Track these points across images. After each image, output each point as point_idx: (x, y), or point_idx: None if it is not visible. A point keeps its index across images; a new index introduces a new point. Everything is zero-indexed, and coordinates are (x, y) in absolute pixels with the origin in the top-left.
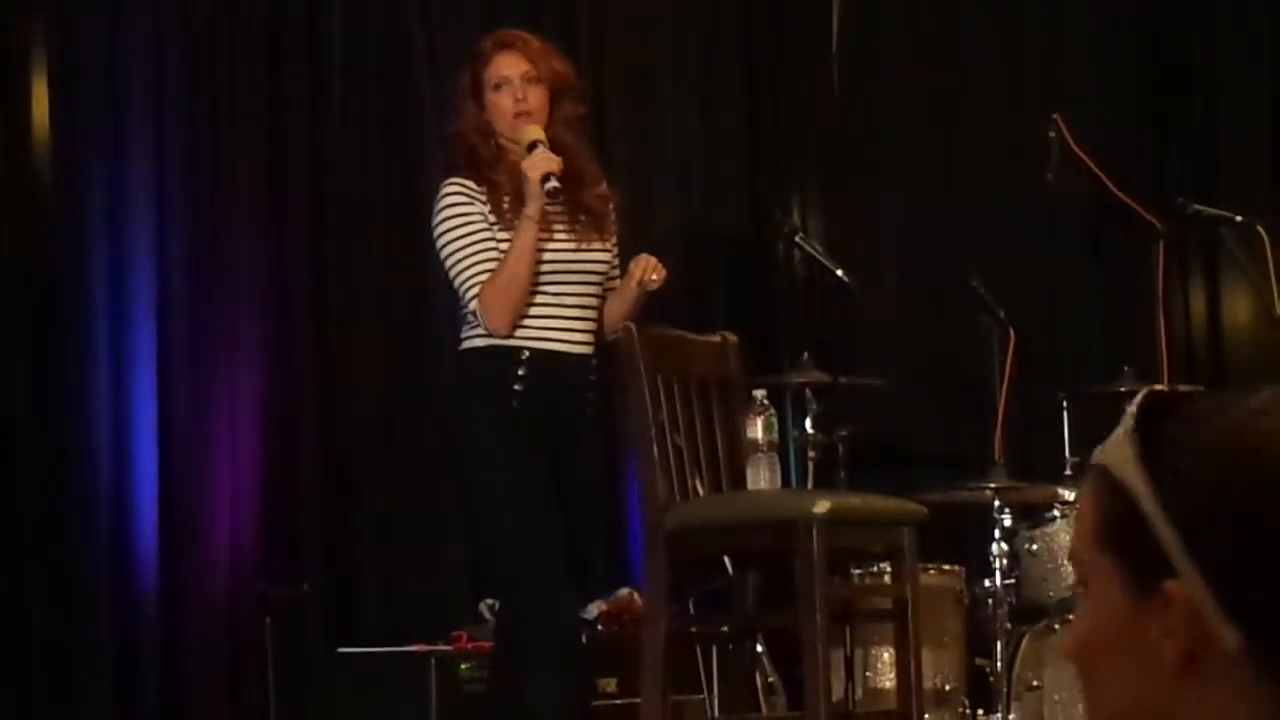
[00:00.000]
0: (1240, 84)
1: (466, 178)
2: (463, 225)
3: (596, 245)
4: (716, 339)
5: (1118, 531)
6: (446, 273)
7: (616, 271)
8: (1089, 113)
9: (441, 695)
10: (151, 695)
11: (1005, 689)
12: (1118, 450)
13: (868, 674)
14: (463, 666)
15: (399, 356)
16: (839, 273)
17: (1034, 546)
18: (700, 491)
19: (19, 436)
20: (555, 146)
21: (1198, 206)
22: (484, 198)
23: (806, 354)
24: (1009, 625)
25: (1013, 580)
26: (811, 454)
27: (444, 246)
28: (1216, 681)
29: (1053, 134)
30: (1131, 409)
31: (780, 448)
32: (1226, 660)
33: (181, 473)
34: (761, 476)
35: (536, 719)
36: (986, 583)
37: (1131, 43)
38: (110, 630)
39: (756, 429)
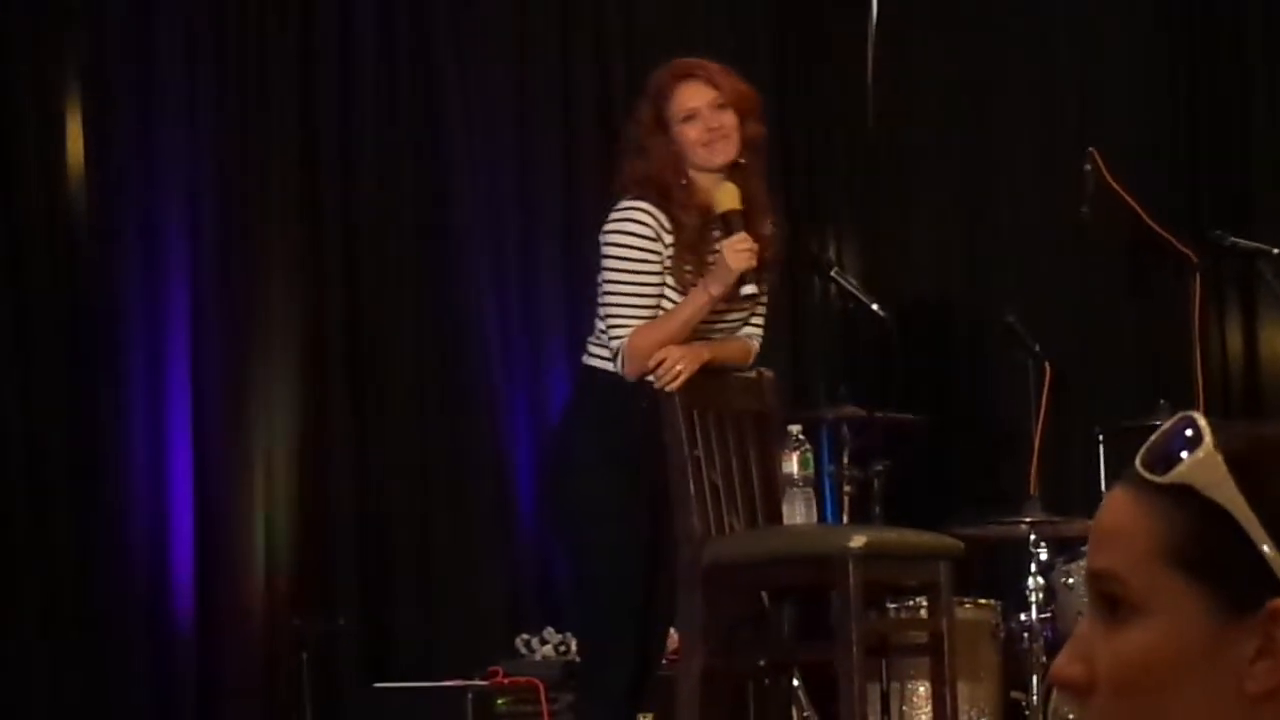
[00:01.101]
0: (1275, 117)
1: (659, 208)
2: (640, 261)
3: (736, 305)
4: (753, 374)
5: (1205, 551)
6: (601, 287)
7: (759, 323)
8: (1124, 146)
9: None
10: None
11: None
12: (1205, 470)
13: (904, 708)
14: (499, 701)
15: (433, 389)
16: (875, 307)
17: (1070, 580)
18: (736, 527)
19: (53, 471)
20: (745, 190)
21: (1234, 239)
22: (671, 236)
23: (842, 389)
24: (1044, 659)
25: (1048, 614)
26: (847, 489)
27: (612, 270)
28: None
29: (1088, 167)
30: (1198, 426)
31: (816, 483)
32: None
33: (217, 506)
34: (797, 511)
35: None
36: (1022, 616)
37: (1166, 76)
38: (146, 665)
39: (792, 464)
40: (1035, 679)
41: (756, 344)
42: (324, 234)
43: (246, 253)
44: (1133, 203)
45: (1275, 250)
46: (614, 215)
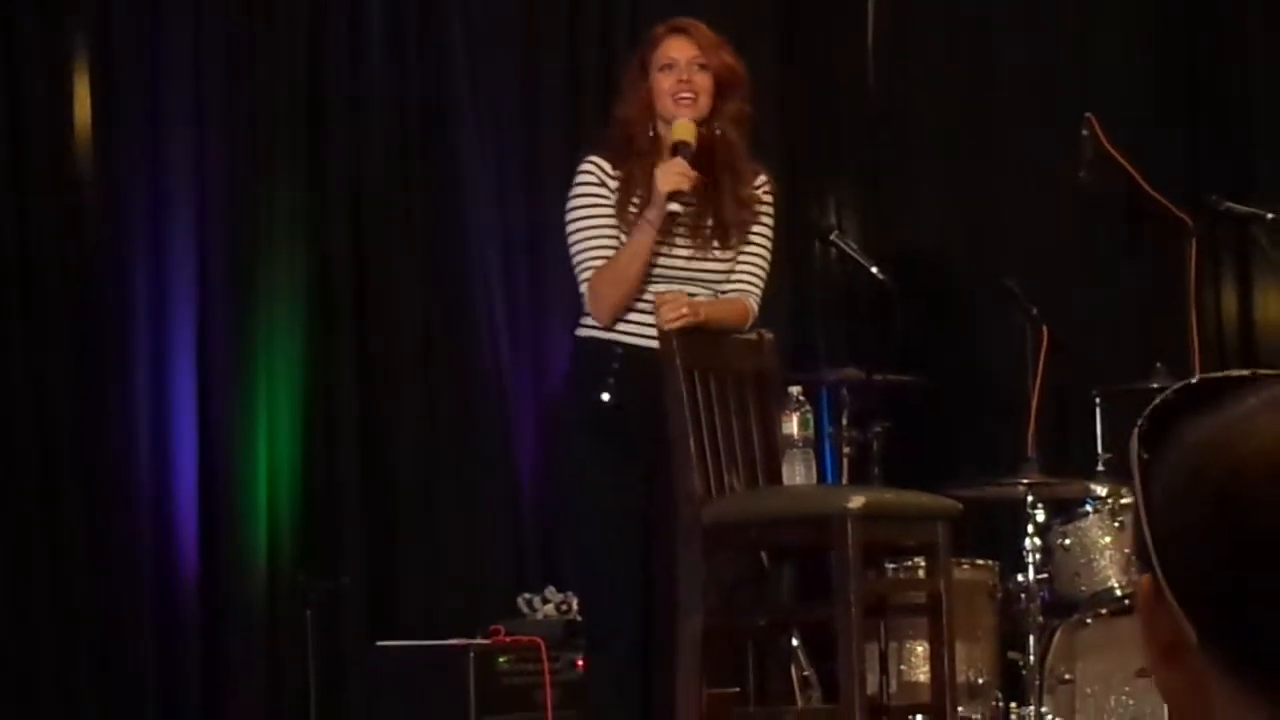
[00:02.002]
0: (1272, 82)
1: (606, 159)
2: (589, 208)
3: (714, 253)
4: (753, 336)
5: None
6: (569, 254)
7: (748, 267)
8: (1122, 112)
9: (480, 689)
10: (193, 688)
11: (1038, 682)
12: (1132, 447)
13: (901, 667)
14: (501, 659)
15: (439, 350)
16: (874, 270)
17: (1067, 541)
18: (736, 487)
19: (60, 433)
20: (718, 142)
21: (1230, 204)
22: (616, 182)
23: (842, 351)
24: (1041, 619)
25: (1045, 575)
26: (846, 450)
27: (569, 224)
28: (1190, 675)
29: (1085, 133)
30: (1162, 397)
31: (815, 444)
32: (1195, 657)
33: (222, 467)
34: (797, 472)
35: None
36: (1019, 577)
37: (1163, 42)
38: (151, 624)
39: (792, 425)
40: (1032, 639)
41: (753, 301)
42: (331, 199)
43: (253, 220)
44: (1130, 168)
45: (1270, 215)
46: (573, 178)
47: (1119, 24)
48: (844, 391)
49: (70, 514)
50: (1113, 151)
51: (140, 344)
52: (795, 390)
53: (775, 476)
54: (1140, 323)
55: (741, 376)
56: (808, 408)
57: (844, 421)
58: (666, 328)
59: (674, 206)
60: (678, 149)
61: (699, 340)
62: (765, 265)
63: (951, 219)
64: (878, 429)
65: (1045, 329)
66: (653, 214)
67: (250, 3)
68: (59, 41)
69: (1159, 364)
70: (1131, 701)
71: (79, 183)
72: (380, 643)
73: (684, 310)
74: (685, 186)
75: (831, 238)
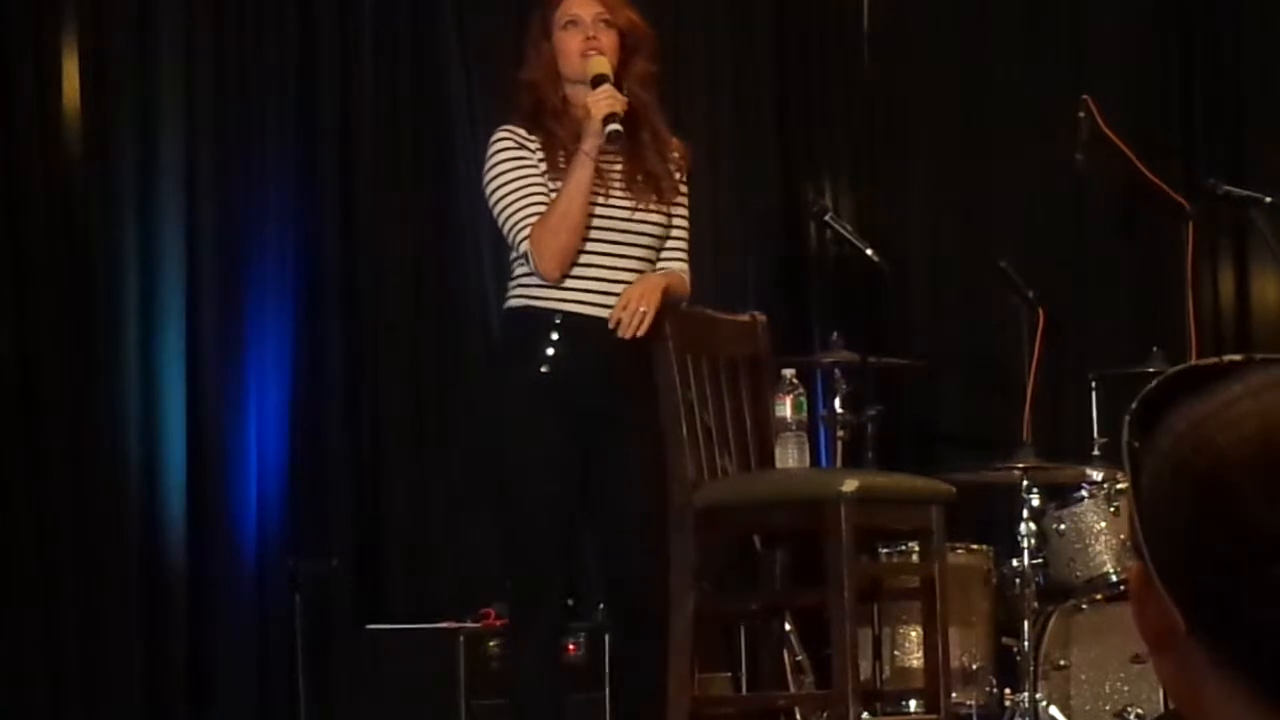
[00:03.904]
0: (1270, 65)
1: (519, 126)
2: (512, 169)
3: (652, 209)
4: (746, 318)
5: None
6: (497, 223)
7: (681, 236)
8: (1119, 93)
9: (470, 672)
10: (180, 670)
11: (1032, 668)
12: (1124, 432)
13: (895, 653)
14: (490, 643)
15: (427, 331)
16: (869, 252)
17: (1062, 526)
18: (729, 470)
19: (47, 410)
20: (632, 103)
21: (1227, 187)
22: (535, 145)
23: (836, 334)
24: (1036, 605)
25: (1040, 560)
26: (840, 433)
27: (493, 193)
28: (1182, 663)
29: (1082, 115)
30: (1153, 384)
31: (809, 427)
32: (1185, 645)
33: (210, 447)
34: (790, 456)
35: (517, 698)
36: (1014, 562)
37: (1161, 23)
38: (139, 605)
39: (785, 408)
40: (1027, 625)
41: (687, 276)
42: (322, 184)
43: (244, 200)
44: (1127, 150)
45: (1268, 199)
46: (486, 152)
47: (1115, 5)
48: (838, 374)
49: (58, 498)
50: (1110, 134)
51: (129, 327)
52: (788, 373)
53: (768, 460)
54: (1137, 306)
55: (734, 359)
56: (801, 390)
57: (838, 404)
58: (597, 113)
59: (612, 127)
60: (597, 81)
61: (691, 321)
62: (689, 233)
63: (947, 201)
64: (872, 412)
65: (1041, 312)
66: (589, 144)
67: None
68: (48, 20)
69: (1156, 347)
70: (1126, 687)
71: (68, 163)
72: (370, 626)
73: (642, 310)
74: (619, 109)
75: (826, 219)
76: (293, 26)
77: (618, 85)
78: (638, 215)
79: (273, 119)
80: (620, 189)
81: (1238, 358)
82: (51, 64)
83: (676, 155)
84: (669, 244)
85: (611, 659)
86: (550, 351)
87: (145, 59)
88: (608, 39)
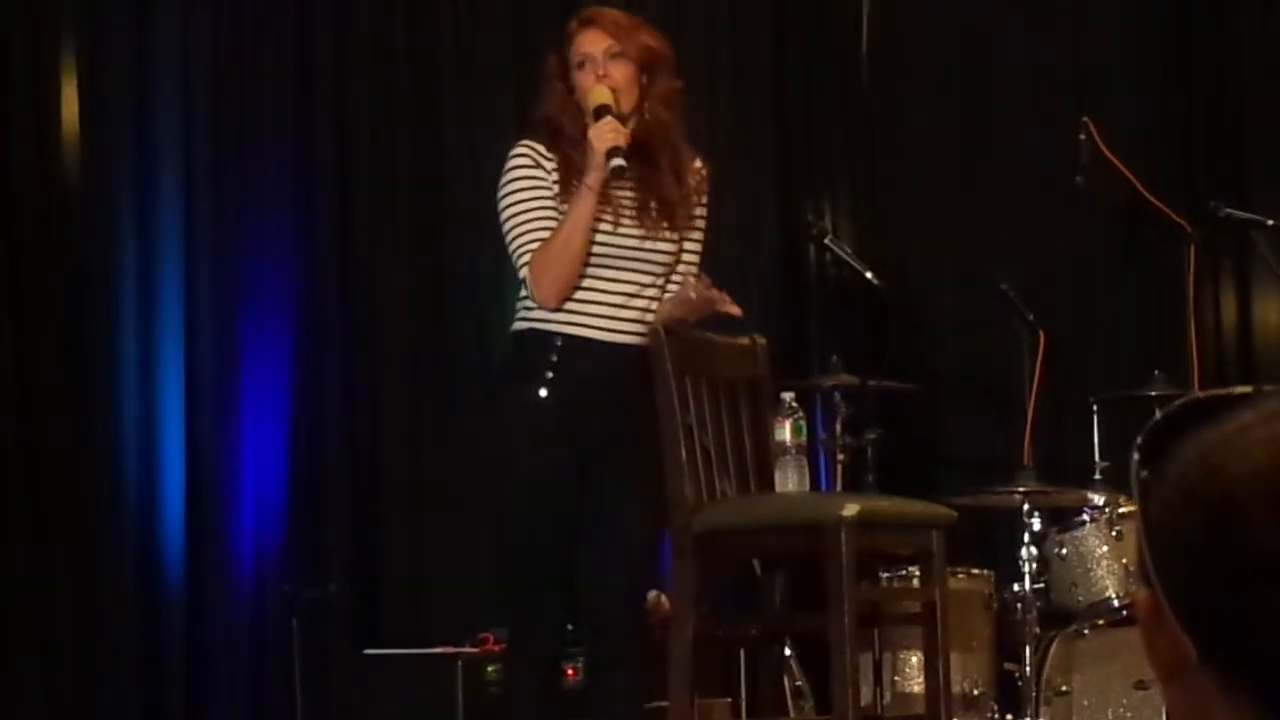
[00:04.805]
0: (1271, 87)
1: (539, 143)
2: (524, 190)
3: (663, 236)
4: (745, 341)
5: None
6: (505, 241)
7: (692, 261)
8: (1120, 116)
9: (468, 697)
10: (177, 695)
11: (1034, 694)
12: (1132, 463)
13: (896, 678)
14: (489, 669)
15: (425, 357)
16: (869, 275)
17: (1063, 551)
18: (728, 494)
19: (46, 435)
20: (652, 125)
21: (1229, 210)
22: (552, 164)
23: (836, 357)
24: (1038, 630)
25: (1041, 584)
26: (840, 457)
27: (503, 211)
28: (1193, 693)
29: (1083, 137)
30: (1162, 414)
31: (809, 450)
32: (1196, 674)
33: (208, 472)
34: (790, 479)
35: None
36: (1015, 587)
37: (1161, 45)
38: (136, 629)
39: (785, 431)
40: (1028, 650)
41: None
42: (320, 205)
43: (241, 221)
44: (1127, 172)
45: (1269, 221)
46: (503, 167)
47: (1116, 27)
48: (838, 397)
49: (56, 523)
50: (1110, 156)
51: (127, 350)
52: (788, 396)
53: (768, 483)
54: (1139, 329)
55: (734, 382)
56: (801, 414)
57: (838, 428)
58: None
59: (615, 162)
60: (599, 113)
61: (690, 344)
62: (700, 256)
63: (947, 223)
64: (872, 435)
65: (1043, 335)
66: (592, 178)
67: (239, 6)
68: (46, 42)
69: (1157, 371)
70: (1129, 713)
71: (66, 185)
72: (368, 650)
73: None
74: (622, 142)
75: (826, 241)
76: (290, 53)
77: (638, 109)
78: (647, 244)
79: (270, 141)
80: (631, 217)
81: (1246, 389)
82: (49, 86)
83: (695, 178)
84: (680, 266)
85: (588, 682)
86: (550, 374)
87: (143, 84)
88: (620, 71)
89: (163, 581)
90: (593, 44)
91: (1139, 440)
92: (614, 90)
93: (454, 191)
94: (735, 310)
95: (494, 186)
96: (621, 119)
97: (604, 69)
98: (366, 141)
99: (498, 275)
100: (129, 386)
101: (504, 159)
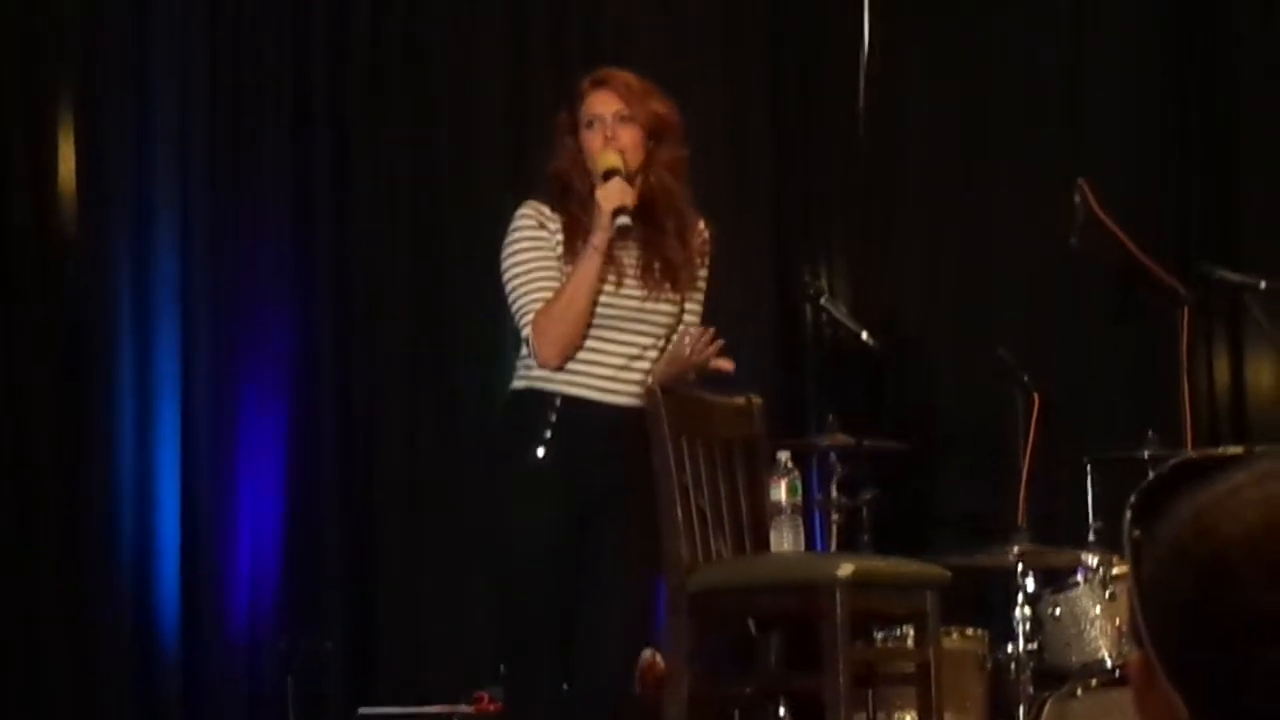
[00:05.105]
0: (1265, 150)
1: (543, 203)
2: (527, 250)
3: (665, 298)
4: (741, 401)
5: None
6: (508, 302)
7: (692, 322)
8: (1114, 178)
9: None
10: None
11: None
12: (1126, 522)
13: None
14: None
15: (423, 414)
16: (864, 336)
17: (1057, 611)
18: (723, 553)
19: (39, 487)
20: (656, 190)
21: (1221, 272)
22: (557, 225)
23: (831, 416)
24: (1031, 690)
25: (1035, 645)
26: (835, 517)
27: (506, 270)
28: None
29: (1078, 199)
30: (1155, 474)
31: (804, 510)
32: None
33: (203, 529)
34: (785, 539)
35: None
36: (1009, 647)
37: (1156, 109)
38: (132, 686)
39: (780, 491)
40: (1022, 710)
41: None
42: (316, 255)
43: (237, 271)
44: (1121, 234)
45: (1262, 284)
46: (508, 228)
47: (1112, 91)
48: (833, 457)
49: (51, 578)
50: (1104, 218)
51: (123, 406)
52: (784, 456)
53: (763, 543)
54: (1132, 390)
55: (730, 441)
56: (796, 473)
57: (833, 488)
58: (606, 206)
59: (621, 220)
60: (608, 175)
61: (687, 404)
62: (700, 318)
63: (942, 284)
64: (867, 495)
65: (1037, 395)
66: (598, 238)
67: (237, 62)
68: (44, 97)
69: (1151, 432)
70: None
71: (63, 239)
72: (363, 709)
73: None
74: (629, 202)
75: (821, 302)
76: (287, 108)
77: (644, 174)
78: (648, 305)
79: (268, 196)
80: (634, 278)
81: (1238, 450)
82: (47, 141)
83: (699, 240)
84: (680, 327)
85: None
86: (549, 434)
87: (140, 139)
88: (628, 134)
89: (158, 638)
90: (603, 105)
91: (1132, 500)
92: (621, 152)
93: (452, 251)
94: (728, 365)
95: (492, 245)
96: (629, 180)
97: (612, 131)
98: (365, 197)
99: (496, 332)
100: (125, 442)
101: (501, 216)
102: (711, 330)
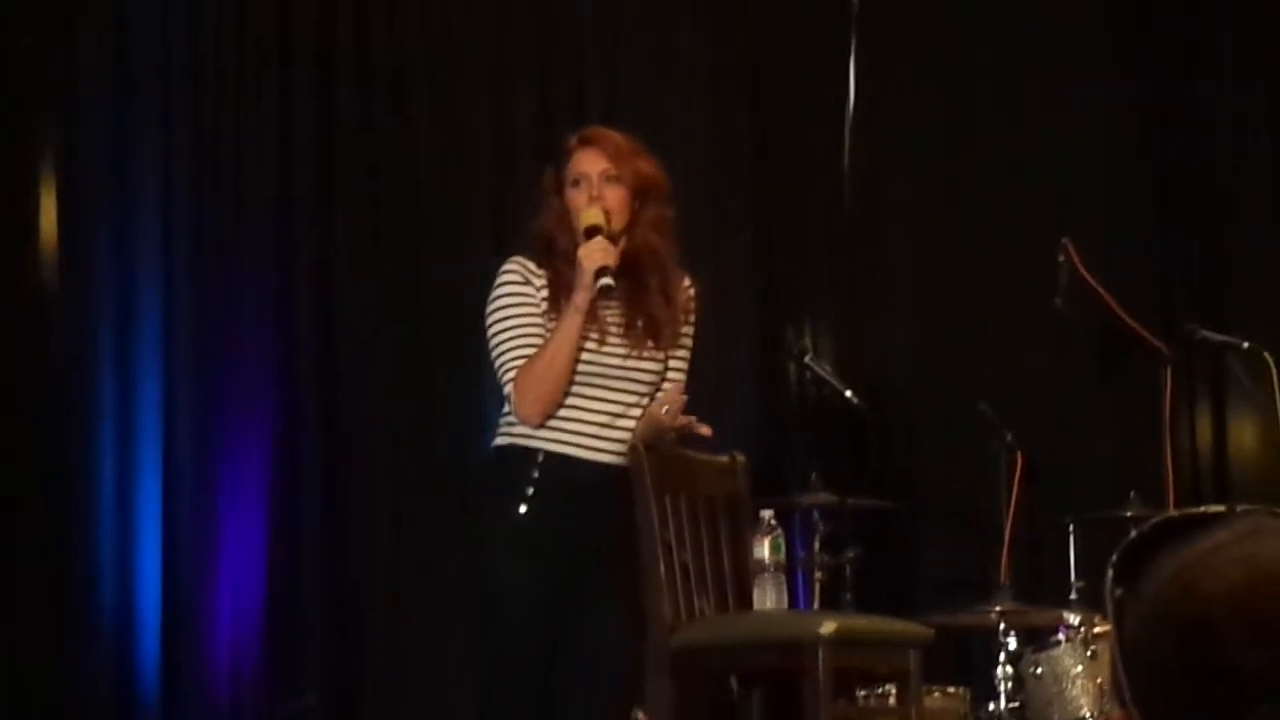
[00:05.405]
0: (1247, 212)
1: (529, 259)
2: (511, 306)
3: (647, 356)
4: (725, 459)
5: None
6: (491, 358)
7: (677, 380)
8: (1098, 239)
9: None
10: None
11: None
12: (1108, 580)
13: None
14: None
15: (405, 468)
16: (848, 394)
17: (1039, 670)
18: (706, 611)
19: (20, 546)
20: (641, 249)
21: (1205, 333)
22: (542, 281)
23: (815, 475)
24: None
25: (1017, 703)
26: (818, 575)
27: (490, 326)
28: None
29: (1062, 259)
30: (1136, 533)
31: (787, 568)
32: None
33: (185, 586)
34: (768, 597)
35: None
36: (991, 705)
37: (1140, 171)
38: None
39: (764, 549)
40: None
41: None
42: (299, 308)
43: (219, 325)
44: (1106, 295)
45: (1245, 344)
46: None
47: (1096, 151)
48: (816, 516)
49: (32, 644)
50: (1089, 278)
51: (105, 461)
52: (767, 514)
53: (746, 601)
54: (1115, 450)
55: (713, 499)
56: (779, 532)
57: (816, 546)
58: (588, 265)
59: (603, 281)
60: (590, 233)
61: (670, 462)
62: (685, 375)
63: (927, 343)
64: (850, 554)
65: (1020, 455)
66: (580, 297)
67: (219, 121)
68: (25, 152)
69: (1133, 492)
70: None
71: (44, 294)
72: None
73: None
74: (611, 261)
75: (806, 360)
76: (271, 163)
77: (629, 233)
78: (631, 362)
79: (250, 251)
80: (617, 335)
81: (1220, 508)
82: (28, 196)
83: (684, 298)
84: (664, 384)
85: None
86: (531, 491)
87: (121, 194)
88: (613, 194)
89: (140, 695)
90: (589, 164)
91: (1113, 559)
92: (606, 211)
93: (435, 307)
94: (706, 431)
95: (476, 301)
96: (612, 239)
97: (598, 190)
98: (348, 252)
99: (478, 389)
100: (106, 500)
101: (485, 273)
102: (684, 398)
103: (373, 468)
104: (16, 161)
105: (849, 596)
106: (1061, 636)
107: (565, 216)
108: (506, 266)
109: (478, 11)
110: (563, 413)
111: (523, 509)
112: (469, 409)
